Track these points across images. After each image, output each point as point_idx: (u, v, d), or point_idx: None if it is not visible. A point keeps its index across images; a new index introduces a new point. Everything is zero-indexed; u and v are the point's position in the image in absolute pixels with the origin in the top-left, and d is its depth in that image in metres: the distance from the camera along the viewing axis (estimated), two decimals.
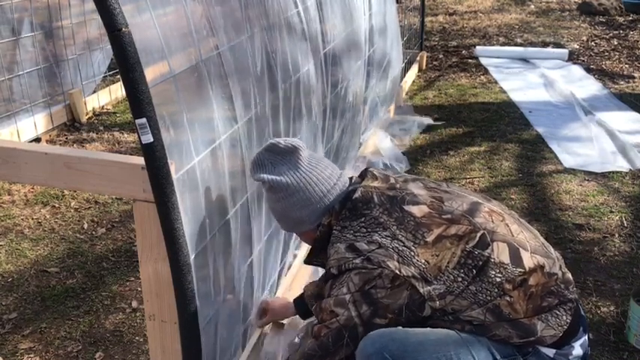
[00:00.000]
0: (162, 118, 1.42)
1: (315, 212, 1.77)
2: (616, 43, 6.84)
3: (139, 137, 1.36)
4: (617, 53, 6.45)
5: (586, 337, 1.74)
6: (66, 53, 4.55)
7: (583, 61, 6.21)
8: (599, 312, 2.53)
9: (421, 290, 1.62)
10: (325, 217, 1.77)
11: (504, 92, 5.31)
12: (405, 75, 5.30)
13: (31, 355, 2.36)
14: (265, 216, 2.18)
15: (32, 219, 3.32)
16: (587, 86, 5.42)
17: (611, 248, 2.98)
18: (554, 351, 1.68)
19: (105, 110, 4.94)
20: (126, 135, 4.45)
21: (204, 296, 1.70)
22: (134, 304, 2.64)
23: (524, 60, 6.24)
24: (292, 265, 2.60)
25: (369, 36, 3.67)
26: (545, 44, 6.82)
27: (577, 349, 1.70)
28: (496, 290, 1.62)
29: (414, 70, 5.70)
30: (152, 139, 1.36)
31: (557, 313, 1.67)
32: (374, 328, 1.65)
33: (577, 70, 5.88)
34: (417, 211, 1.70)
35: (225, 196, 1.82)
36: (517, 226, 1.76)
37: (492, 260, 1.64)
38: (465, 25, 7.83)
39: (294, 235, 2.54)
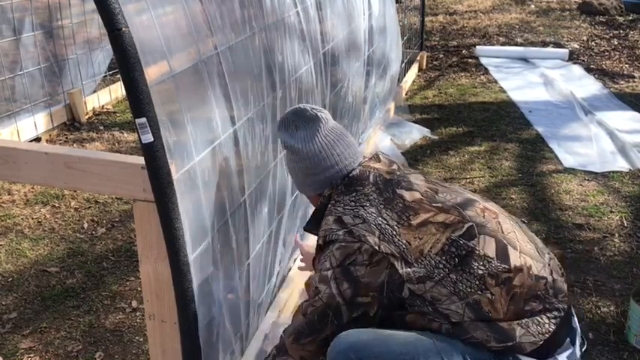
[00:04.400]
0: (162, 117, 1.42)
1: (317, 182, 1.84)
2: (616, 42, 6.84)
3: (139, 137, 1.36)
4: (617, 53, 6.45)
5: (575, 349, 1.67)
6: (66, 53, 4.55)
7: (583, 60, 6.21)
8: (599, 312, 2.53)
9: (400, 271, 1.61)
10: (327, 190, 1.83)
11: (504, 92, 5.31)
12: (405, 75, 5.30)
13: (31, 355, 2.36)
14: (266, 214, 2.19)
15: (32, 219, 3.32)
16: (587, 86, 5.42)
17: (611, 248, 2.98)
18: None
19: (105, 110, 4.94)
20: (126, 135, 4.45)
21: (204, 296, 1.70)
22: (134, 303, 2.64)
23: (525, 60, 6.24)
24: (295, 262, 2.60)
25: (369, 36, 3.67)
26: (545, 44, 6.82)
27: None
28: (477, 283, 1.60)
29: (414, 70, 5.70)
30: (152, 139, 1.36)
31: (540, 320, 1.61)
32: (358, 307, 1.64)
33: (577, 70, 5.88)
34: (409, 195, 1.73)
35: (225, 196, 1.82)
36: (509, 225, 1.74)
37: (477, 252, 1.62)
38: (465, 24, 7.83)
39: (294, 233, 2.54)
